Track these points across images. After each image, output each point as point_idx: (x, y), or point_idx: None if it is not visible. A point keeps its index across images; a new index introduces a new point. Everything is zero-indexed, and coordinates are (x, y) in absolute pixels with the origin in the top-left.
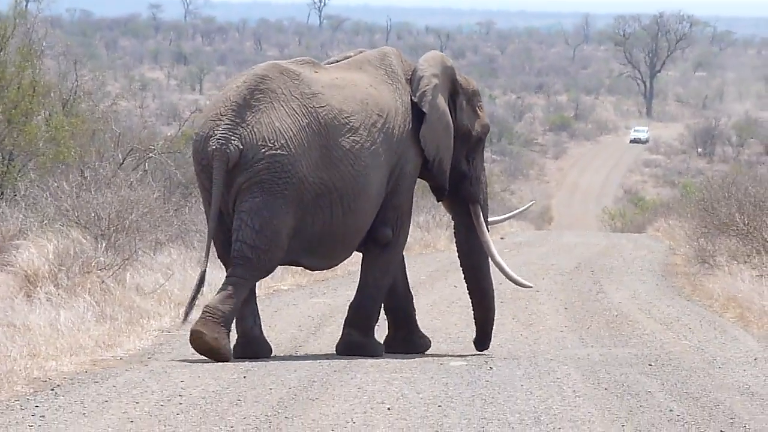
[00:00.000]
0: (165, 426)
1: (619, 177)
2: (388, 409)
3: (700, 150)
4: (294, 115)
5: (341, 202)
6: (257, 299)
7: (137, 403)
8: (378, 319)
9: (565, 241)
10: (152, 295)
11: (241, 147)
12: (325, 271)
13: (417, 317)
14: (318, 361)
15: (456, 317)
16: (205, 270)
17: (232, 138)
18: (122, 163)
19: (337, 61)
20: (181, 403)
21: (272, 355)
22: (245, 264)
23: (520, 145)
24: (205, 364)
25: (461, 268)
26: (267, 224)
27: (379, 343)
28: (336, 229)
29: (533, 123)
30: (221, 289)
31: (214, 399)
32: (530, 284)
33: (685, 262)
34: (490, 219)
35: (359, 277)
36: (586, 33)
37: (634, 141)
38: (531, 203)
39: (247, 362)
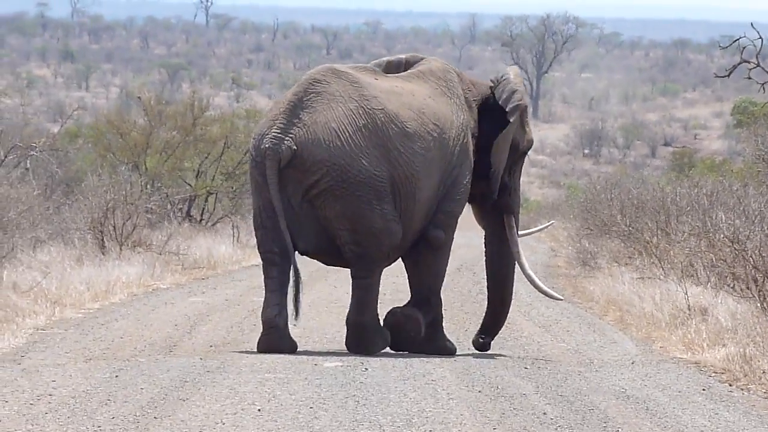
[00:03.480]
0: (32, 425)
1: None
2: (259, 410)
3: (586, 151)
4: (351, 116)
5: (399, 201)
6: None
7: (6, 401)
8: (442, 317)
9: None
10: (29, 293)
11: (294, 147)
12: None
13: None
14: (191, 360)
15: (333, 317)
16: (296, 265)
17: (285, 138)
18: (3, 160)
19: (390, 62)
20: (50, 402)
21: (296, 350)
22: (363, 260)
23: None
24: (77, 363)
25: (486, 275)
26: (359, 223)
27: (450, 341)
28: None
29: None
30: (353, 297)
31: (84, 398)
32: (560, 297)
33: (566, 264)
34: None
35: (411, 281)
36: (472, 33)
37: None
38: (551, 223)
39: (119, 362)
